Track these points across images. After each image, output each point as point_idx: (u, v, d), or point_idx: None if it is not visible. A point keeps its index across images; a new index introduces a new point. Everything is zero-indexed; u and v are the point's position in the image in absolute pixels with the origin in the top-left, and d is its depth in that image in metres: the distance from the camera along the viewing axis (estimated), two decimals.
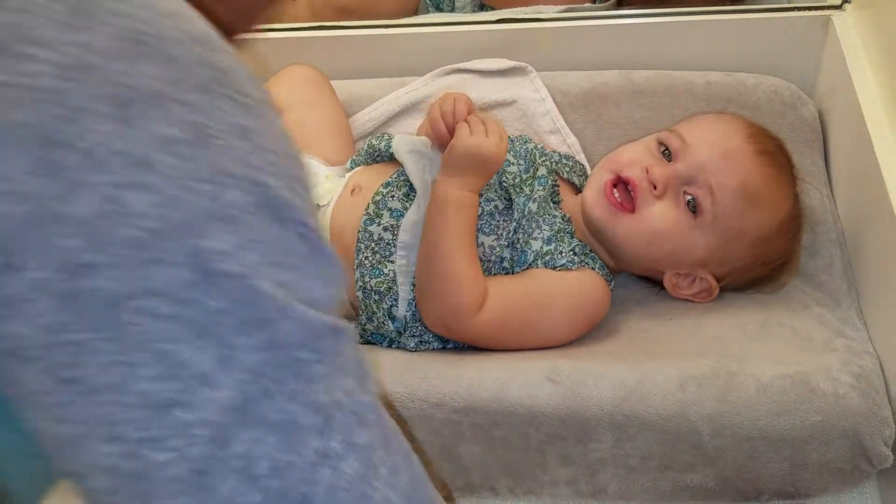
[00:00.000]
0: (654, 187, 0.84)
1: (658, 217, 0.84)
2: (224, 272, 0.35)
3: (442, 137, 0.88)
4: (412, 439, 0.72)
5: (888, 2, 0.96)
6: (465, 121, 0.85)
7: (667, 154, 0.87)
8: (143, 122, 0.34)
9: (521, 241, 0.86)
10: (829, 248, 0.92)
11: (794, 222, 0.89)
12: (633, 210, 0.85)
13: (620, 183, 0.86)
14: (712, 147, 0.85)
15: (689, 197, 0.84)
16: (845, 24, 1.03)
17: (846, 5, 1.05)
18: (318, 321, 0.38)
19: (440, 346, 0.86)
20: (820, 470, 0.75)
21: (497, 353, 0.83)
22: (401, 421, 0.77)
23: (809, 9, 1.07)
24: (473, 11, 1.30)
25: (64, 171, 0.33)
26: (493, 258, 0.86)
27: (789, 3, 1.15)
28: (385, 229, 0.86)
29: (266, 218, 0.37)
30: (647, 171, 0.85)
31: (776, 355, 0.79)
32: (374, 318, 0.86)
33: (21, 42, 0.33)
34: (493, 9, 1.28)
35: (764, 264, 0.88)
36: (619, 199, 0.85)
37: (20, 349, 0.34)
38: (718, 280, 0.88)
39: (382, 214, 0.87)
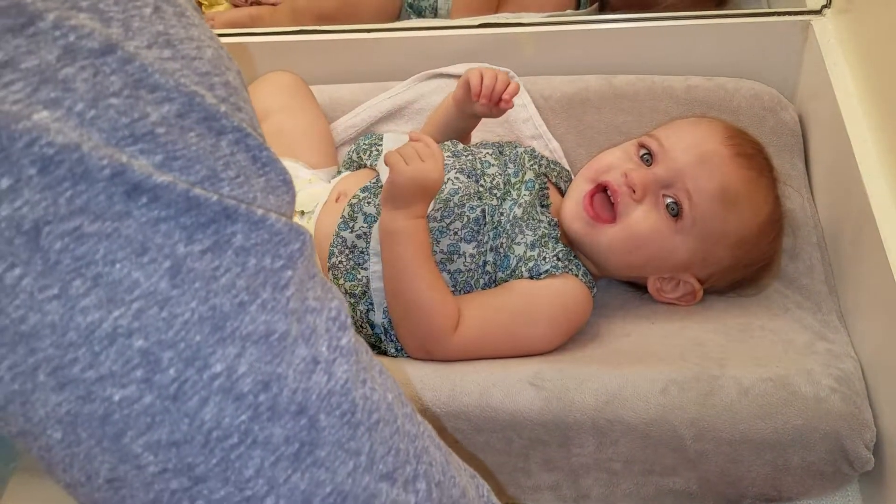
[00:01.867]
0: (634, 192, 0.84)
1: (638, 222, 0.84)
2: (153, 184, 0.32)
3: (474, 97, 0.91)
4: None
5: (867, 7, 0.97)
6: (396, 151, 0.81)
7: (646, 158, 0.87)
8: (49, 36, 0.31)
9: (504, 245, 0.86)
10: (809, 251, 0.92)
11: (775, 224, 0.89)
12: (613, 220, 0.85)
13: (600, 192, 0.87)
14: (690, 150, 0.85)
15: (668, 200, 0.84)
16: (825, 28, 1.04)
17: (826, 10, 1.06)
18: (277, 223, 0.35)
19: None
20: (802, 473, 0.76)
21: (478, 360, 0.82)
22: None
23: (789, 14, 1.08)
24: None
25: None
26: (473, 266, 0.85)
27: (770, 8, 1.16)
28: (358, 236, 0.86)
29: (197, 128, 0.34)
30: (626, 176, 0.85)
31: (758, 359, 0.79)
32: (353, 321, 0.86)
33: None
34: None
35: (746, 266, 0.88)
36: (597, 212, 0.86)
37: None
38: (701, 283, 0.88)
39: (357, 219, 0.87)
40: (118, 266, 0.32)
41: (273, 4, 1.43)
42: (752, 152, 0.88)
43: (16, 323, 0.31)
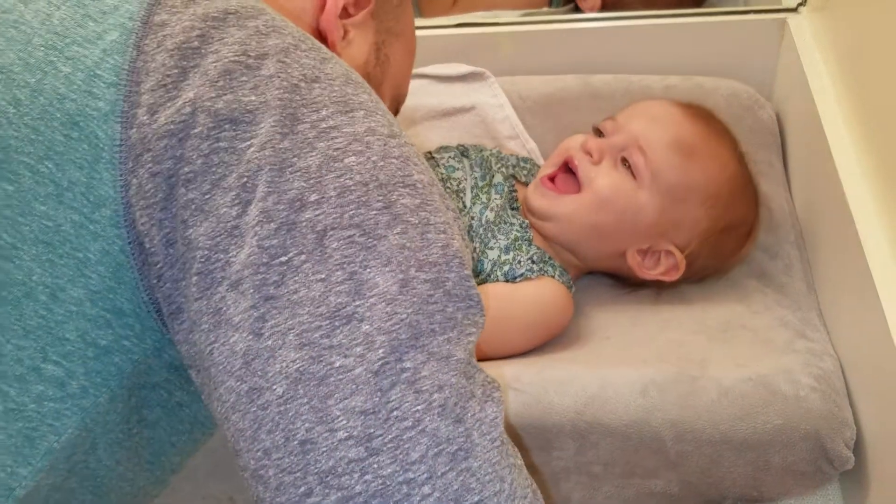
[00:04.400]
0: (591, 156, 0.86)
1: (600, 183, 0.85)
2: (408, 220, 0.44)
3: None
4: None
5: (842, 5, 0.97)
6: None
7: (603, 136, 0.89)
8: (361, 119, 0.46)
9: (477, 250, 0.85)
10: (788, 249, 0.92)
11: (746, 183, 0.89)
12: (577, 192, 0.86)
13: (561, 173, 0.88)
14: (641, 115, 0.87)
15: (622, 157, 0.85)
16: (801, 26, 1.04)
17: (801, 8, 1.06)
18: (474, 290, 0.45)
19: None
20: (782, 473, 0.75)
21: None
22: None
23: (765, 11, 1.08)
24: None
25: (300, 136, 0.44)
26: None
27: (746, 6, 1.16)
28: None
29: (437, 195, 0.46)
30: (583, 146, 0.87)
31: (737, 358, 0.79)
32: None
33: (284, 56, 0.47)
34: None
35: (725, 230, 0.87)
36: (559, 186, 0.87)
37: (234, 273, 0.42)
38: (682, 251, 0.87)
39: None
40: (368, 270, 0.42)
41: None
42: (705, 114, 0.89)
43: (290, 293, 0.41)
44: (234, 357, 0.42)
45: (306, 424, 0.40)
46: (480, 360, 0.81)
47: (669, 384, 0.75)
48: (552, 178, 0.88)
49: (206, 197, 0.43)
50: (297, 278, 0.42)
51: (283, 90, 0.45)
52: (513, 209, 0.89)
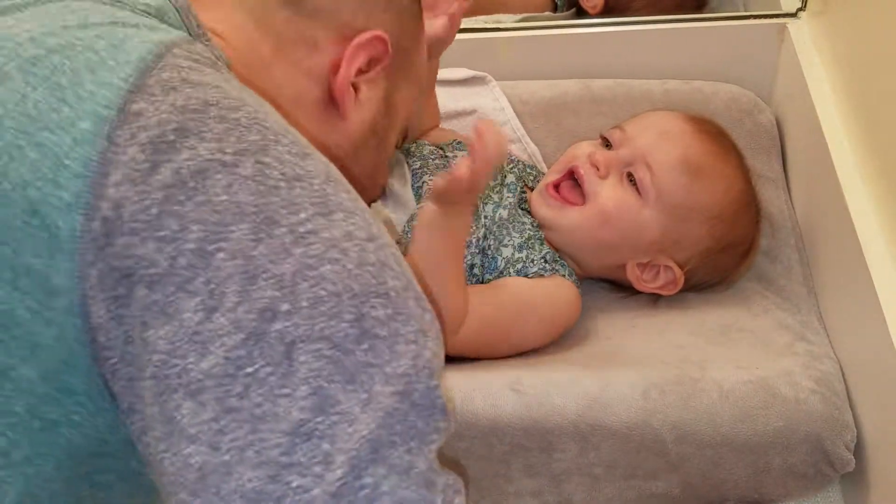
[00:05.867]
0: (598, 170, 0.85)
1: (605, 198, 0.85)
2: (377, 334, 0.42)
3: None
4: None
5: (841, 10, 0.97)
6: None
7: (610, 146, 0.88)
8: (339, 222, 0.44)
9: (491, 247, 0.85)
10: (788, 252, 0.92)
11: (749, 203, 0.89)
12: (582, 203, 0.86)
13: (567, 180, 0.87)
14: (650, 130, 0.87)
15: (628, 173, 0.85)
16: (800, 31, 1.05)
17: (801, 13, 1.06)
18: (441, 399, 0.44)
19: None
20: (783, 475, 0.76)
21: (460, 364, 0.82)
22: None
23: (765, 17, 1.08)
24: None
25: (277, 241, 0.42)
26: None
27: (745, 11, 1.17)
28: None
29: (412, 300, 0.45)
30: (590, 157, 0.86)
31: (738, 361, 0.79)
32: None
33: (264, 154, 0.44)
34: None
35: (725, 249, 0.87)
36: (564, 196, 0.86)
37: (193, 382, 0.40)
38: (682, 267, 0.87)
39: None
40: (333, 385, 0.41)
41: None
42: (714, 131, 0.89)
43: (253, 406, 0.40)
44: (189, 470, 0.40)
45: None
46: (495, 357, 0.83)
47: (670, 386, 0.75)
48: (557, 187, 0.87)
49: (170, 300, 0.41)
50: (261, 391, 0.40)
51: (260, 194, 0.43)
52: (523, 210, 0.89)
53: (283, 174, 0.44)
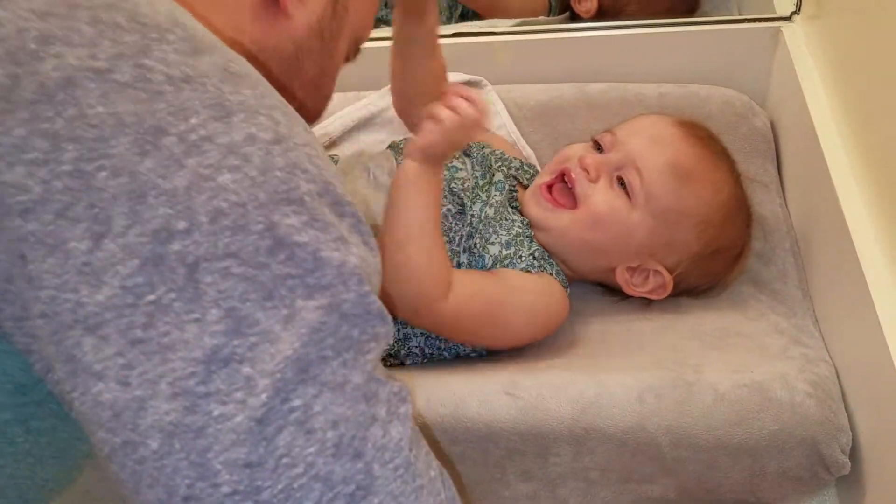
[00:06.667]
0: (588, 173, 0.86)
1: (595, 201, 0.85)
2: (294, 241, 0.39)
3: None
4: None
5: (835, 13, 0.97)
6: (447, 105, 0.76)
7: (601, 150, 0.89)
8: (239, 125, 0.40)
9: (477, 245, 0.85)
10: (783, 256, 0.92)
11: (742, 209, 0.89)
12: (574, 207, 0.86)
13: (559, 183, 0.88)
14: (641, 134, 0.87)
15: (618, 176, 0.85)
16: (795, 35, 1.05)
17: (795, 17, 1.07)
18: (375, 304, 0.42)
19: (397, 363, 0.85)
20: (779, 478, 0.76)
21: (454, 368, 0.82)
22: None
23: (760, 20, 1.09)
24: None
25: (165, 152, 0.38)
26: None
27: (740, 15, 1.17)
28: None
29: (327, 206, 0.42)
30: (581, 161, 0.87)
31: (733, 364, 0.79)
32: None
33: (144, 56, 0.40)
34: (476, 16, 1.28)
35: (715, 254, 0.87)
36: (556, 198, 0.87)
37: (91, 316, 0.37)
38: (671, 273, 0.87)
39: None
40: (248, 304, 0.38)
41: None
42: (704, 135, 0.89)
43: (160, 336, 0.37)
44: (101, 408, 0.38)
45: (187, 480, 0.37)
46: (478, 344, 0.82)
47: (665, 390, 0.75)
48: (549, 188, 0.88)
49: (49, 229, 0.37)
50: (167, 319, 0.37)
51: (141, 101, 0.39)
52: (513, 207, 0.89)
53: (168, 76, 0.40)
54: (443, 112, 0.76)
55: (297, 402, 0.38)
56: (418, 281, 0.77)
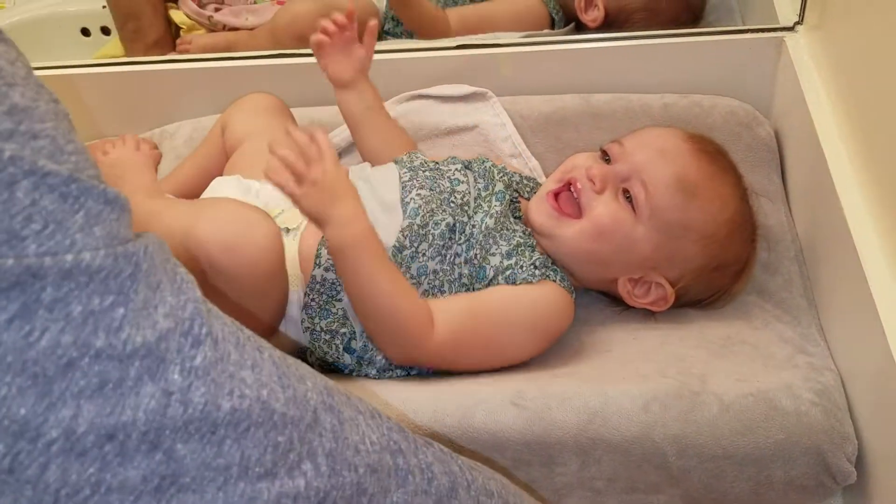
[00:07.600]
0: (594, 184, 0.86)
1: (600, 212, 0.85)
2: None
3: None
4: None
5: (839, 23, 0.98)
6: (278, 165, 0.76)
7: (608, 160, 0.89)
8: None
9: (478, 257, 0.86)
10: (787, 265, 0.92)
11: (745, 223, 0.89)
12: (579, 216, 0.86)
13: (565, 191, 0.88)
14: (648, 147, 0.87)
15: (624, 189, 0.85)
16: (798, 45, 1.05)
17: (798, 27, 1.07)
18: (96, 260, 0.33)
19: (403, 374, 0.85)
20: (785, 488, 0.76)
21: (461, 378, 0.82)
22: None
23: (763, 31, 1.09)
24: None
25: None
26: (438, 283, 0.85)
27: (743, 25, 1.17)
28: (326, 269, 0.85)
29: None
30: (587, 171, 0.87)
31: (738, 373, 0.79)
32: (326, 357, 0.86)
33: None
34: None
35: (718, 268, 0.87)
36: (561, 207, 0.87)
37: None
38: (673, 285, 0.87)
39: (321, 254, 0.85)
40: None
41: (251, 28, 1.43)
42: (712, 150, 0.89)
43: None
44: None
45: None
46: (483, 370, 0.83)
47: (671, 400, 0.76)
48: (556, 196, 0.88)
49: None
50: None
51: None
52: (515, 217, 0.90)
53: None
54: (282, 174, 0.76)
55: (54, 434, 0.33)
56: (401, 326, 0.79)
